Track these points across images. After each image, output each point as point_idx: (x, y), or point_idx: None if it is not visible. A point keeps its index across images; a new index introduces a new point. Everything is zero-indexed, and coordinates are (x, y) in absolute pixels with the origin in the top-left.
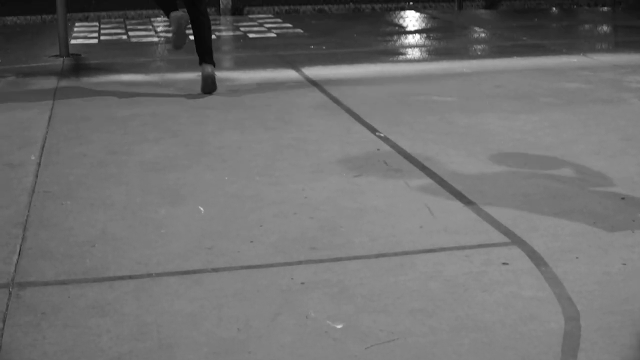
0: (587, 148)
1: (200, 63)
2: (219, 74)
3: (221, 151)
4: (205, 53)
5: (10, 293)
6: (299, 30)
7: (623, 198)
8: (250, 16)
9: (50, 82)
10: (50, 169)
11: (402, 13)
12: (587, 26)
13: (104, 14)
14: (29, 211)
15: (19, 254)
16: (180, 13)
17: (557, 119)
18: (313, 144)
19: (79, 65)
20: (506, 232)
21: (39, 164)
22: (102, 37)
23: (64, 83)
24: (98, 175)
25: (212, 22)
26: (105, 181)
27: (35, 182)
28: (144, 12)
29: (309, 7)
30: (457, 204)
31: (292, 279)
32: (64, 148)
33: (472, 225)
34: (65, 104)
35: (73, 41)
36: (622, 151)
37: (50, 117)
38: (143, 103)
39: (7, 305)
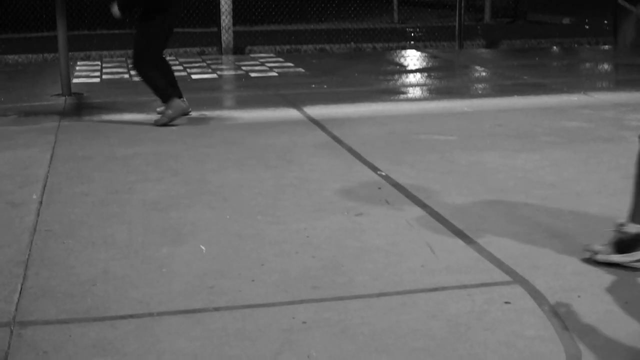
0: (589, 186)
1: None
2: (222, 113)
3: (222, 190)
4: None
5: (11, 332)
6: (301, 69)
7: None
8: (252, 55)
9: (52, 121)
10: (51, 207)
11: (403, 52)
12: (587, 65)
13: (105, 52)
14: (30, 250)
15: (20, 293)
16: (185, 104)
17: (558, 158)
18: (315, 183)
19: (81, 104)
20: (508, 270)
21: (41, 203)
22: (104, 76)
23: (66, 122)
24: (100, 214)
25: (214, 61)
26: (106, 220)
27: (37, 221)
28: None
29: (310, 46)
30: (459, 243)
31: (293, 318)
32: (65, 187)
33: (474, 264)
34: (67, 142)
35: (75, 80)
36: (623, 190)
37: (52, 156)
38: (144, 142)
39: (9, 344)
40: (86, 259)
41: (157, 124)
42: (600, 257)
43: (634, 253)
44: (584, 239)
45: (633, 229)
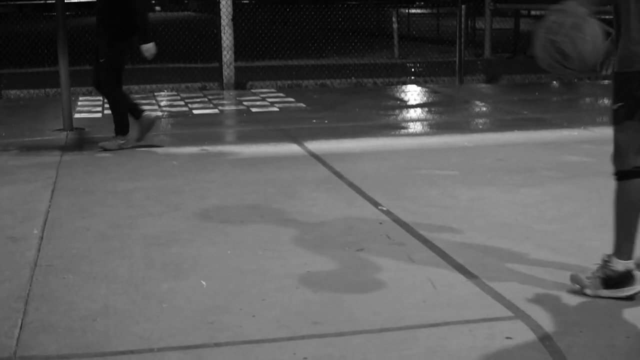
0: (590, 221)
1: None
2: (223, 148)
3: (223, 225)
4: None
5: None
6: (302, 105)
7: None
8: (253, 90)
9: (53, 156)
10: (52, 242)
11: (403, 87)
12: (588, 99)
13: None
14: (30, 285)
15: (21, 328)
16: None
17: (559, 193)
18: (316, 218)
19: (83, 139)
20: (510, 306)
21: (42, 238)
22: (106, 111)
23: (67, 157)
24: (100, 249)
25: (216, 96)
26: (107, 255)
27: (38, 256)
28: (148, 86)
29: (311, 81)
30: (460, 278)
31: (294, 354)
32: (66, 222)
33: (475, 299)
34: (69, 177)
35: (77, 115)
36: None
37: (53, 191)
38: (146, 176)
39: None
40: (87, 294)
41: (105, 147)
42: (589, 292)
43: (623, 289)
44: (586, 273)
45: (620, 265)
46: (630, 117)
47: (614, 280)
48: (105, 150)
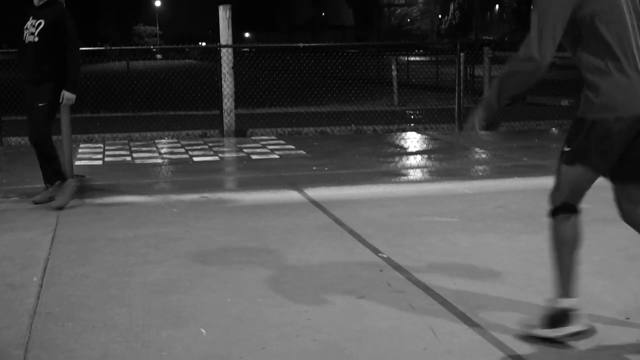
0: (590, 268)
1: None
2: (223, 195)
3: (223, 272)
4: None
5: None
6: (302, 152)
7: (628, 318)
8: (254, 138)
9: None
10: (52, 290)
11: (403, 134)
12: None
13: (108, 135)
14: (30, 332)
15: None
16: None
17: None
18: (316, 265)
19: (83, 186)
20: (511, 353)
21: (41, 285)
22: (106, 159)
23: (68, 204)
24: (100, 297)
25: (216, 143)
26: (107, 303)
27: (37, 304)
28: (148, 134)
29: (312, 128)
30: (461, 326)
31: None
32: (66, 269)
33: (476, 347)
34: (69, 225)
35: (77, 162)
36: (625, 271)
37: (53, 238)
38: (146, 224)
39: None
40: (86, 341)
41: (60, 205)
42: (535, 332)
43: (562, 328)
44: (587, 320)
45: (560, 303)
46: (573, 163)
47: (556, 319)
48: (59, 208)
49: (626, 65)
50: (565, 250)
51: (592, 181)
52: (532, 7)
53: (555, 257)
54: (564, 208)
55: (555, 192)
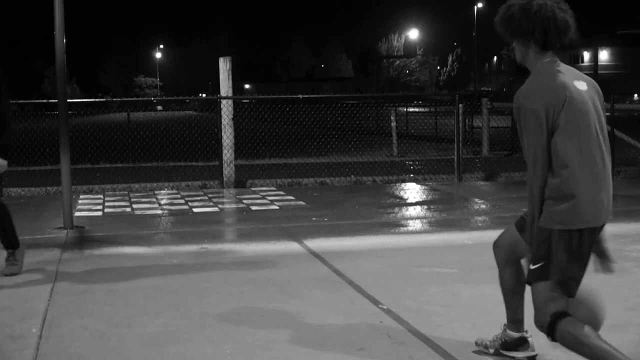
0: None
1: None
2: (223, 246)
3: (223, 324)
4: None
5: None
6: (301, 203)
7: None
8: (253, 189)
9: (53, 255)
10: (51, 341)
11: (403, 185)
12: None
13: (108, 186)
14: None
15: None
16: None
17: None
18: (316, 317)
19: (83, 237)
20: None
21: (40, 337)
22: (106, 210)
23: (67, 255)
24: (99, 349)
25: (216, 194)
26: (106, 355)
27: (36, 355)
28: (148, 185)
29: (311, 179)
30: None
31: None
32: (65, 321)
33: None
34: (68, 276)
35: (77, 213)
36: (625, 321)
37: (52, 290)
38: (145, 275)
39: None
40: None
41: (13, 273)
42: (491, 350)
43: (514, 352)
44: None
45: (513, 334)
46: (547, 277)
47: (510, 344)
48: (11, 275)
49: None
50: (585, 347)
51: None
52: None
53: (583, 353)
54: (552, 322)
55: (537, 314)
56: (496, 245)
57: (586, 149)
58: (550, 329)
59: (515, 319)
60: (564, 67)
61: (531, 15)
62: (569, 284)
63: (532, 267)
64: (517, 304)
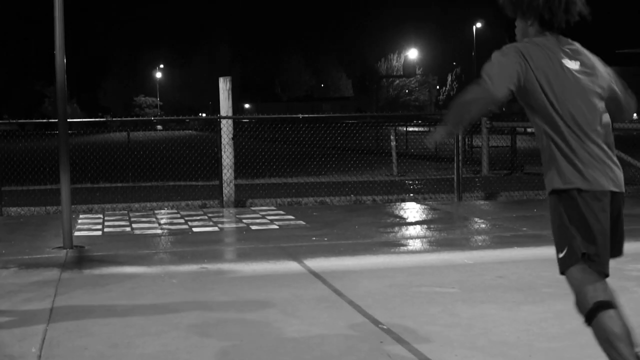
0: (592, 339)
1: None
2: (223, 266)
3: (222, 344)
4: None
5: None
6: (301, 222)
7: None
8: (253, 208)
9: (52, 274)
10: None
11: (402, 205)
12: None
13: (108, 205)
14: None
15: None
16: None
17: (560, 310)
18: (316, 337)
19: (82, 257)
20: None
21: (40, 357)
22: (106, 229)
23: (67, 275)
24: None
25: (216, 214)
26: None
27: None
28: (148, 204)
29: (311, 199)
30: None
31: None
32: (64, 340)
33: None
34: (67, 296)
35: (77, 233)
36: None
37: (51, 309)
38: (145, 295)
39: None
40: None
41: None
42: None
43: None
44: None
45: None
46: (576, 261)
47: None
48: None
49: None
50: (615, 344)
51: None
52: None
53: (610, 354)
54: (594, 309)
55: (578, 301)
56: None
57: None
58: (590, 316)
59: None
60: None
61: None
62: (592, 258)
63: (560, 255)
64: None
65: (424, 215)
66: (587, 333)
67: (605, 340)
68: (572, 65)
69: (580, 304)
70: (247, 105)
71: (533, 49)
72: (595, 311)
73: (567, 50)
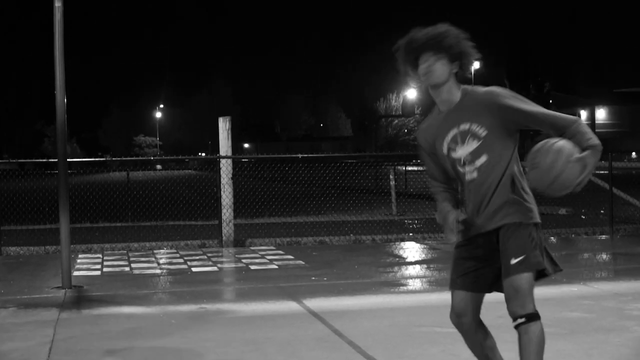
0: None
1: None
2: (222, 306)
3: None
4: None
5: None
6: (301, 262)
7: None
8: (252, 248)
9: (51, 314)
10: None
11: (402, 244)
12: (586, 255)
13: (107, 245)
14: None
15: None
16: None
17: (560, 349)
18: None
19: (81, 297)
20: None
21: None
22: (105, 269)
23: (65, 315)
24: None
25: (215, 254)
26: None
27: None
28: (147, 244)
29: (310, 238)
30: None
31: None
32: None
33: None
34: (66, 336)
35: (76, 272)
36: None
37: (50, 350)
38: (143, 335)
39: None
40: None
41: None
42: None
43: None
44: None
45: None
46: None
47: None
48: None
49: None
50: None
51: None
52: None
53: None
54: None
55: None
56: (459, 314)
57: None
58: (533, 317)
59: None
60: None
61: (462, 37)
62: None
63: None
64: (498, 355)
65: (424, 255)
66: None
67: (539, 344)
68: None
69: (524, 306)
70: (246, 145)
71: None
72: (538, 316)
73: None
